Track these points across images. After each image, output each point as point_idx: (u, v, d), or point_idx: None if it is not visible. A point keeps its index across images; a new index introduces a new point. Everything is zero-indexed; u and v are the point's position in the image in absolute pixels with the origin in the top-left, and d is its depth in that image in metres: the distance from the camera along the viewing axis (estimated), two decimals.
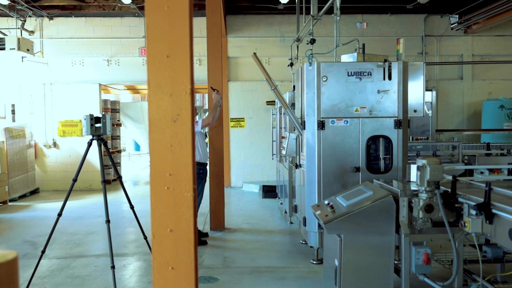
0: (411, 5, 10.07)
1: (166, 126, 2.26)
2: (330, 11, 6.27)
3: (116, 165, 11.84)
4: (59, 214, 4.52)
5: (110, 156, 4.66)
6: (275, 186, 9.98)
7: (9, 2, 9.32)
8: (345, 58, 5.62)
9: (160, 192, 2.27)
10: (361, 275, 3.67)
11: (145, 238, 4.96)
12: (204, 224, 7.23)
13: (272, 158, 9.44)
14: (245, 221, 7.63)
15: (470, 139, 10.54)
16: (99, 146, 4.45)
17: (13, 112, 11.17)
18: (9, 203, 9.39)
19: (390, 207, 3.65)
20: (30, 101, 11.03)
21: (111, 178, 11.98)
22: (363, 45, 5.41)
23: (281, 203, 8.93)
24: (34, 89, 11.02)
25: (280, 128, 8.45)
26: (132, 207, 4.79)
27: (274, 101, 10.05)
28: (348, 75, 5.18)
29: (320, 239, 5.29)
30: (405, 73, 5.26)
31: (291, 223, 7.41)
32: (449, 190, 3.49)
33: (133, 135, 18.98)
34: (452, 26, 11.11)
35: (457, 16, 10.97)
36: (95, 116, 4.38)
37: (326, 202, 4.09)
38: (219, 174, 7.12)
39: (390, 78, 5.19)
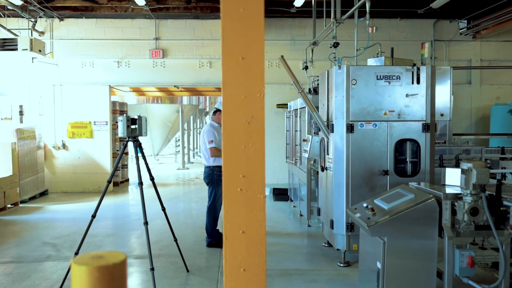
0: (422, 10, 10.16)
1: (240, 128, 2.25)
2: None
3: (124, 167, 11.74)
4: (93, 216, 4.50)
5: (144, 158, 4.65)
6: (286, 189, 9.99)
7: (22, 2, 9.27)
8: (371, 61, 5.65)
9: (233, 194, 2.26)
10: (404, 278, 3.69)
11: (175, 240, 4.95)
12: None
13: (286, 161, 9.44)
14: None
15: (479, 143, 10.61)
16: (135, 147, 4.44)
17: (20, 113, 11.07)
18: (20, 205, 9.32)
19: (434, 210, 3.68)
20: (39, 102, 10.95)
21: (118, 180, 11.92)
22: (392, 49, 5.44)
23: (295, 206, 8.93)
24: (44, 90, 10.94)
25: (295, 131, 8.45)
26: (163, 209, 4.78)
27: (286, 104, 10.06)
28: (377, 79, 5.21)
29: (348, 242, 5.31)
30: (433, 77, 5.31)
31: (309, 226, 7.41)
32: (493, 193, 3.53)
33: None
34: (461, 31, 11.21)
35: (466, 21, 11.07)
36: (131, 117, 4.37)
37: (364, 204, 4.10)
38: None
39: (418, 82, 5.24)
